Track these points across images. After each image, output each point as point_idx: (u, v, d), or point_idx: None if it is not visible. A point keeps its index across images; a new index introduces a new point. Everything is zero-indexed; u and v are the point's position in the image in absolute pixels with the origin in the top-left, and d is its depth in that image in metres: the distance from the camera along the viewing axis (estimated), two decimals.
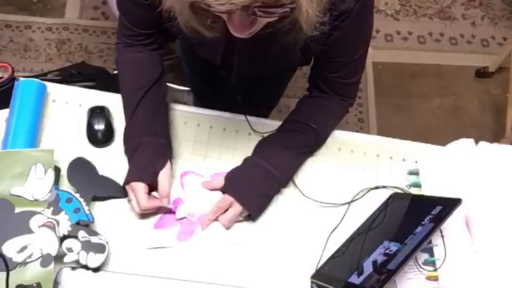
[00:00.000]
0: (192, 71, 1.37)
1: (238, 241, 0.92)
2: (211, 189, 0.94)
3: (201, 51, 1.00)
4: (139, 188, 0.88)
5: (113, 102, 1.03)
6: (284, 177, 0.96)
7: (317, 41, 0.79)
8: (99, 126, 0.98)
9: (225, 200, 0.91)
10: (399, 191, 1.01)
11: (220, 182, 0.93)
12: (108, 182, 0.94)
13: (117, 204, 0.93)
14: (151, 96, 0.95)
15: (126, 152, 0.94)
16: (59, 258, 0.82)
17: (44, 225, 0.84)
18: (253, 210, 0.92)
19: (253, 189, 0.92)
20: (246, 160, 0.96)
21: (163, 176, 0.90)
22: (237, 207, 0.91)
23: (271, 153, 0.95)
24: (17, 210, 0.84)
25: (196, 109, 1.07)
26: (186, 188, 0.95)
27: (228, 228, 0.92)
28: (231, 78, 1.00)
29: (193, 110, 1.06)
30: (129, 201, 0.90)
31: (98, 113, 0.99)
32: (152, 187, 0.90)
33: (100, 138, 0.98)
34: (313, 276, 0.90)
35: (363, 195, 1.00)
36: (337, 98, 1.00)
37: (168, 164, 0.91)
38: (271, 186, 0.95)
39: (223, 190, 0.92)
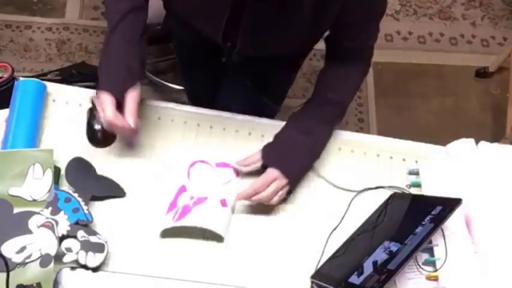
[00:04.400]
0: (189, 65, 1.35)
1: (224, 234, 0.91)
2: (247, 165, 0.95)
3: (202, 25, 0.98)
4: (107, 100, 0.86)
5: None
6: (321, 151, 0.99)
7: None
8: (99, 126, 0.98)
9: (270, 174, 0.91)
10: (399, 191, 1.00)
11: (257, 156, 0.95)
12: (106, 181, 0.94)
13: (116, 204, 0.93)
14: (130, 21, 0.94)
15: (100, 67, 0.93)
16: (58, 258, 0.82)
17: (42, 225, 0.84)
18: (295, 185, 0.95)
19: (296, 162, 0.94)
20: (281, 134, 0.98)
21: (130, 96, 0.89)
22: (282, 181, 0.91)
23: (309, 128, 0.97)
24: (16, 210, 0.84)
25: (197, 109, 1.07)
26: (192, 177, 0.95)
27: (274, 202, 0.92)
28: (232, 62, 0.99)
29: (193, 110, 1.06)
30: (99, 113, 0.89)
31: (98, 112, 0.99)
32: (120, 106, 0.89)
33: (100, 138, 0.98)
34: (313, 276, 0.90)
35: (363, 195, 1.00)
36: (357, 64, 1.02)
37: (138, 87, 0.91)
38: (310, 159, 0.98)
39: (266, 163, 0.93)
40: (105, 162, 0.97)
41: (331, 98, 1.00)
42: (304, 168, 0.97)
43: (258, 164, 0.95)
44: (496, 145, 1.02)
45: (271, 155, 0.94)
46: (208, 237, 0.92)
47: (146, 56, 0.98)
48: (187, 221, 0.89)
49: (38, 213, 0.84)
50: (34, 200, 0.86)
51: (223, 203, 0.92)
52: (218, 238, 0.91)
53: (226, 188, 0.95)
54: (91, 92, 1.06)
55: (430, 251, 0.91)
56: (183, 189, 0.94)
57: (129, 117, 0.88)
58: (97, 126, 0.98)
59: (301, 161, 0.96)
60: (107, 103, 0.86)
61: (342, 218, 0.97)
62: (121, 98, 0.88)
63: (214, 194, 0.93)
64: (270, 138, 1.01)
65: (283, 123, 1.04)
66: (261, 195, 0.91)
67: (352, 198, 0.99)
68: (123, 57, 0.91)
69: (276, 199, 0.92)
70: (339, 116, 1.02)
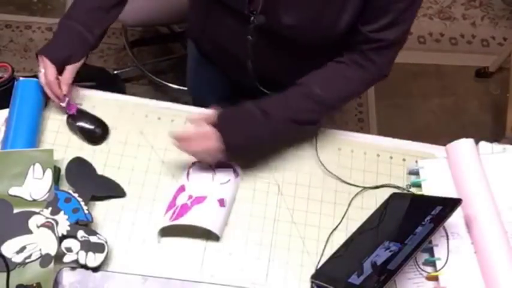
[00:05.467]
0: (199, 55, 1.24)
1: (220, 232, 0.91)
2: (198, 119, 0.90)
3: None
4: (49, 64, 0.94)
5: (113, 102, 1.03)
6: (277, 140, 0.96)
7: None
8: (90, 126, 0.98)
9: (208, 132, 0.87)
10: (399, 191, 1.01)
11: (209, 116, 0.90)
12: (106, 181, 0.94)
13: (116, 204, 0.93)
14: None
15: (58, 25, 0.99)
16: (58, 258, 0.82)
17: (42, 225, 0.84)
18: (233, 155, 0.90)
19: (241, 134, 0.90)
20: (244, 105, 0.92)
21: (69, 68, 0.96)
22: (215, 143, 0.87)
23: (272, 113, 0.90)
24: (16, 210, 0.84)
25: (197, 109, 1.06)
26: (191, 177, 0.96)
27: (202, 159, 0.92)
28: (249, 37, 0.94)
29: (193, 110, 1.06)
30: (39, 72, 0.95)
31: (81, 115, 0.99)
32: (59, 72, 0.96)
33: (97, 135, 0.98)
34: (313, 276, 0.90)
35: (363, 195, 1.00)
36: (366, 69, 0.94)
37: (81, 61, 0.98)
38: (259, 140, 0.92)
39: (214, 123, 0.89)
40: (105, 162, 0.97)
41: (317, 94, 0.92)
42: (246, 145, 0.92)
43: (207, 121, 0.90)
44: (495, 145, 1.02)
45: (220, 119, 0.89)
46: (206, 235, 0.92)
47: (108, 29, 1.02)
48: (184, 220, 0.89)
49: (38, 213, 0.84)
50: (34, 200, 0.86)
51: (221, 202, 0.93)
52: (215, 236, 0.92)
53: (225, 188, 0.95)
54: (91, 92, 1.06)
55: (430, 251, 0.92)
56: (182, 189, 0.94)
57: (63, 85, 0.96)
58: (89, 126, 0.98)
59: (246, 136, 0.90)
60: (49, 67, 0.94)
61: (342, 218, 0.97)
62: (61, 68, 0.96)
63: (213, 193, 0.93)
64: None
65: None
66: (191, 146, 0.89)
67: (352, 198, 0.99)
68: (82, 25, 0.97)
69: (204, 157, 0.90)
70: (317, 116, 0.94)
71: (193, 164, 0.97)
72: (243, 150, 0.94)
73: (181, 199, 0.92)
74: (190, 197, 0.92)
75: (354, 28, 0.90)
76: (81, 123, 0.98)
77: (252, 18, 0.91)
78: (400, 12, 0.86)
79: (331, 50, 0.95)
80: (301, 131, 0.99)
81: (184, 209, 0.90)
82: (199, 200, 0.92)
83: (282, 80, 0.95)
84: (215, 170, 0.96)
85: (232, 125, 0.90)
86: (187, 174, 0.96)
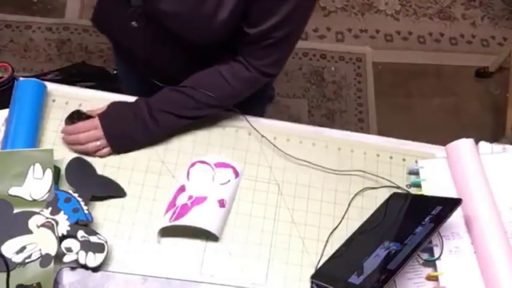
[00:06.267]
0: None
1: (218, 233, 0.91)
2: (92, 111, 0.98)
3: None
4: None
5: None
6: (155, 130, 0.97)
7: None
8: None
9: (93, 121, 0.95)
10: (399, 191, 1.01)
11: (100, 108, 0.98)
12: (106, 181, 0.94)
13: (116, 204, 0.93)
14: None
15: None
16: (58, 258, 0.82)
17: (42, 225, 0.84)
18: (116, 145, 0.97)
19: (121, 124, 0.96)
20: (131, 102, 0.98)
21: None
22: (99, 132, 0.95)
23: (153, 100, 0.97)
24: (16, 210, 0.84)
25: None
26: (191, 177, 0.96)
27: (89, 149, 0.95)
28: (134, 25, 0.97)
29: None
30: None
31: (78, 117, 0.99)
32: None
33: None
34: (313, 276, 0.90)
35: (363, 195, 1.00)
36: (245, 64, 0.96)
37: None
38: (137, 128, 0.97)
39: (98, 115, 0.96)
40: (105, 162, 0.97)
41: (186, 86, 0.97)
42: (123, 136, 0.97)
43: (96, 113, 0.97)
44: (495, 145, 1.02)
45: (108, 110, 0.97)
46: (206, 236, 0.92)
47: None
48: (184, 221, 0.89)
49: (38, 213, 0.84)
50: (34, 200, 0.86)
51: (222, 203, 0.93)
52: (214, 237, 0.92)
53: (225, 188, 0.95)
54: (91, 92, 1.06)
55: (430, 251, 0.92)
56: (182, 189, 0.94)
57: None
58: None
59: (123, 129, 0.96)
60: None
61: (342, 218, 0.97)
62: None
63: (213, 194, 0.93)
64: (270, 138, 1.02)
65: (280, 122, 1.05)
66: (78, 136, 0.95)
67: (352, 198, 0.99)
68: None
69: (91, 145, 0.95)
70: (199, 113, 0.98)
71: (193, 163, 0.98)
72: (122, 140, 0.98)
73: (182, 199, 0.92)
74: (190, 197, 0.92)
75: (241, 31, 0.92)
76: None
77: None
78: (286, 13, 0.88)
79: (223, 51, 0.97)
80: (186, 125, 1.01)
81: (185, 209, 0.90)
82: (200, 200, 0.92)
83: (179, 79, 0.99)
84: (215, 170, 0.96)
85: (114, 116, 0.96)
86: (188, 174, 0.96)
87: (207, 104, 0.98)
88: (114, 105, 0.98)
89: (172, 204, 0.93)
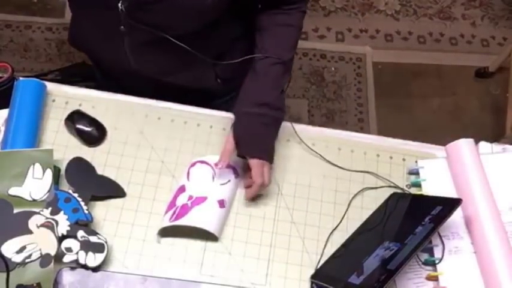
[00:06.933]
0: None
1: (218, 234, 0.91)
2: (224, 161, 0.93)
3: None
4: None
5: (113, 102, 1.03)
6: (282, 115, 0.97)
7: None
8: (88, 128, 0.98)
9: (261, 165, 0.92)
10: (399, 191, 1.01)
11: (229, 149, 0.94)
12: (106, 181, 0.94)
13: (116, 204, 0.93)
14: None
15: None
16: (58, 258, 0.82)
17: (42, 225, 0.84)
18: (272, 160, 0.96)
19: (267, 140, 0.95)
20: (241, 116, 0.95)
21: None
22: (266, 165, 0.93)
23: (265, 98, 0.94)
24: (16, 210, 0.84)
25: (197, 109, 1.06)
26: (191, 177, 0.96)
27: (268, 184, 0.94)
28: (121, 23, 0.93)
29: (193, 110, 1.06)
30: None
31: (79, 117, 0.99)
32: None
33: (94, 137, 0.98)
34: (313, 276, 0.90)
35: (363, 195, 1.00)
36: (291, 12, 0.98)
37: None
38: (276, 128, 0.97)
39: (242, 154, 0.94)
40: (105, 162, 0.97)
41: (272, 58, 0.95)
42: (273, 139, 0.97)
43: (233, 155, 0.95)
44: (495, 145, 1.02)
45: (244, 147, 0.93)
46: (205, 236, 0.92)
47: None
48: (184, 221, 0.89)
49: (38, 213, 0.84)
50: (34, 200, 0.86)
51: (221, 203, 0.93)
52: (214, 237, 0.92)
53: (225, 188, 0.95)
54: (91, 92, 1.06)
55: (430, 251, 0.92)
56: (182, 189, 0.94)
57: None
58: (86, 128, 0.98)
59: (270, 136, 0.96)
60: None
61: (342, 218, 0.97)
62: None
63: (213, 194, 0.93)
64: None
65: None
66: (263, 185, 0.93)
67: (352, 198, 0.99)
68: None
69: (267, 179, 0.93)
70: (287, 73, 0.99)
71: (194, 163, 0.98)
72: (272, 150, 0.97)
73: (182, 199, 0.92)
74: (190, 197, 0.92)
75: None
76: (79, 126, 0.98)
77: (120, 3, 0.88)
78: None
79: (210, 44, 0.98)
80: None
81: (185, 209, 0.90)
82: (200, 200, 0.92)
83: (166, 81, 0.99)
84: (215, 170, 0.96)
85: (258, 141, 0.94)
86: (188, 174, 0.96)
87: (291, 58, 0.99)
88: (244, 133, 0.94)
89: (172, 204, 0.93)
